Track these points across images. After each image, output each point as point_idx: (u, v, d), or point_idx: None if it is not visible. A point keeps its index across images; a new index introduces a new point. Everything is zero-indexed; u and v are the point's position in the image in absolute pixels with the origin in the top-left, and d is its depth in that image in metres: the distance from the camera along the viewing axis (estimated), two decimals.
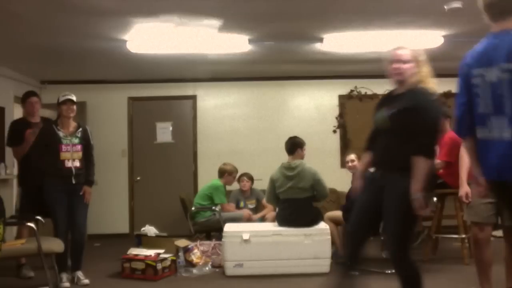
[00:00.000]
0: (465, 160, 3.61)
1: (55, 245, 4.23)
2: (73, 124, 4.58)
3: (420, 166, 2.78)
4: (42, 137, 4.52)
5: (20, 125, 4.97)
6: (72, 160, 4.46)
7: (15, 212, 5.20)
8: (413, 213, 2.82)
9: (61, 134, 4.47)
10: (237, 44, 5.36)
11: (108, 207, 7.28)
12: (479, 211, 3.44)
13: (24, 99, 5.07)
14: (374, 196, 2.98)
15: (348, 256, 3.11)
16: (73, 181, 4.46)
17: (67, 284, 4.37)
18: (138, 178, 7.46)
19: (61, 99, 4.53)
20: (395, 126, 2.93)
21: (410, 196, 2.77)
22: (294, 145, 5.05)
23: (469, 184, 3.55)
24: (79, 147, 4.52)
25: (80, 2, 4.02)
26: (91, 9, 4.21)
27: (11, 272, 4.85)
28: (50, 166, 4.40)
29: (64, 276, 4.42)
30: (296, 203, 4.88)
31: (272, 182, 5.00)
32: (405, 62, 3.01)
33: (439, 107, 2.99)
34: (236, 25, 4.80)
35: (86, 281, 4.47)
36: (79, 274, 4.51)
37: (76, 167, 4.47)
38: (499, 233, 5.91)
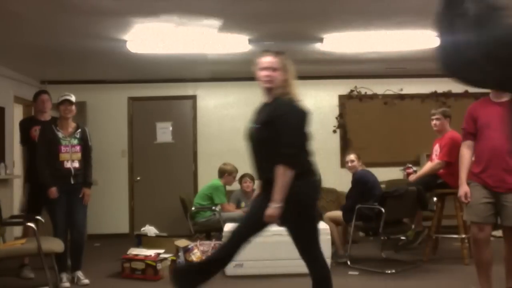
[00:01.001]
0: (464, 160, 3.60)
1: (55, 245, 4.23)
2: (72, 125, 4.58)
3: (281, 176, 2.78)
4: (42, 137, 4.52)
5: (27, 123, 5.01)
6: (71, 161, 4.46)
7: (21, 209, 5.21)
8: (303, 217, 2.89)
9: (60, 135, 4.47)
10: (237, 44, 5.36)
11: (108, 207, 7.28)
12: (478, 211, 3.43)
13: (35, 97, 5.08)
14: (261, 203, 2.96)
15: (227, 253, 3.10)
16: (72, 182, 4.46)
17: (67, 284, 4.37)
18: (138, 178, 7.46)
19: (60, 99, 4.54)
20: (259, 138, 2.97)
21: (294, 201, 2.79)
22: None
23: (468, 184, 3.54)
24: (78, 147, 4.53)
25: (80, 2, 4.02)
26: (91, 9, 4.21)
27: (11, 272, 4.85)
28: (49, 167, 4.40)
29: (64, 276, 4.42)
30: None
31: None
32: (274, 69, 2.97)
33: (301, 115, 2.92)
34: (236, 25, 4.80)
35: (86, 281, 4.47)
36: (79, 274, 4.52)
37: (75, 168, 4.47)
38: (499, 233, 5.92)
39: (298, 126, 2.90)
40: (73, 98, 4.57)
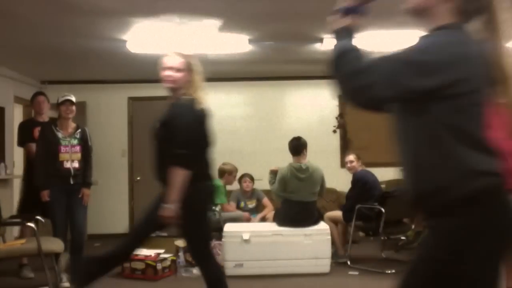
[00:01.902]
0: None
1: (55, 245, 4.23)
2: (72, 125, 4.58)
3: (174, 177, 2.79)
4: (42, 138, 4.52)
5: (28, 125, 5.04)
6: (71, 161, 4.46)
7: (17, 209, 5.21)
8: (193, 219, 2.89)
9: (60, 135, 4.47)
10: (237, 44, 5.36)
11: (108, 207, 7.28)
12: None
13: (32, 99, 5.11)
14: (158, 202, 2.95)
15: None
16: (71, 182, 4.46)
17: (67, 284, 4.37)
18: (138, 178, 7.46)
19: (60, 99, 4.54)
20: (157, 138, 3.00)
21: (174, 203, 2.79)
22: (302, 146, 5.05)
23: None
24: (78, 148, 4.53)
25: (80, 2, 4.02)
26: (91, 9, 4.21)
27: (11, 272, 4.85)
28: (48, 167, 4.40)
29: (64, 276, 4.42)
30: (306, 205, 4.90)
31: (284, 181, 4.96)
32: (177, 70, 2.99)
33: (197, 118, 2.96)
34: (236, 25, 4.80)
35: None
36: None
37: (74, 168, 4.47)
38: None
39: (192, 128, 2.91)
40: (74, 98, 4.57)
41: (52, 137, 4.45)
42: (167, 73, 3.02)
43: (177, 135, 2.84)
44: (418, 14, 1.62)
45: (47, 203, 4.40)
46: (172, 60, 3.02)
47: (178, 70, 2.99)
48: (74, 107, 4.56)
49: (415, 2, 1.61)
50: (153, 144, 3.05)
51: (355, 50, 1.50)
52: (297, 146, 5.04)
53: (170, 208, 2.79)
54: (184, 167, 2.80)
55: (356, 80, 1.45)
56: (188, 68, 3.01)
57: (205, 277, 2.99)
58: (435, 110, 1.43)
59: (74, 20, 4.51)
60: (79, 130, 4.60)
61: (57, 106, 4.55)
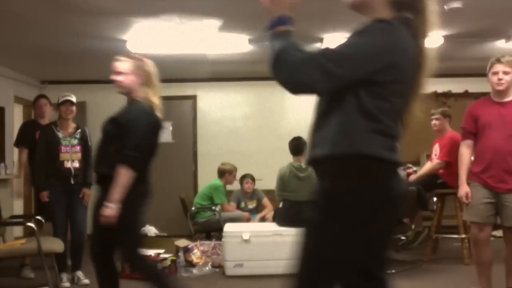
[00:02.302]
0: (464, 159, 3.58)
1: (55, 245, 4.23)
2: (72, 125, 4.59)
3: (120, 177, 2.80)
4: (43, 138, 4.52)
5: (29, 127, 5.03)
6: (72, 161, 4.46)
7: (35, 211, 5.23)
8: (127, 221, 2.88)
9: (60, 135, 4.48)
10: (237, 44, 5.36)
11: None
12: (479, 211, 3.43)
13: (34, 102, 5.14)
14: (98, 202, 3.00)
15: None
16: (72, 182, 4.46)
17: (67, 284, 4.37)
18: None
19: (60, 100, 4.54)
20: (104, 133, 3.04)
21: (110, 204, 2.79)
22: (302, 146, 5.04)
23: (468, 184, 3.53)
24: (78, 148, 4.53)
25: (80, 2, 4.02)
26: (91, 9, 4.21)
27: (11, 272, 4.85)
28: (49, 167, 4.40)
29: (64, 276, 4.42)
30: (306, 205, 4.89)
31: (283, 180, 4.97)
32: (123, 74, 3.02)
33: (151, 123, 2.97)
34: (236, 25, 4.80)
35: (86, 281, 4.47)
36: (79, 274, 4.52)
37: (75, 168, 4.47)
38: (499, 233, 5.92)
39: (146, 133, 2.94)
40: (74, 99, 4.57)
41: (52, 137, 4.45)
42: (115, 77, 3.07)
43: (130, 138, 2.86)
44: (357, 8, 1.75)
45: (47, 204, 4.40)
46: (119, 65, 3.06)
47: (124, 74, 3.02)
48: (74, 107, 4.56)
49: None
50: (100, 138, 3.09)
51: (291, 48, 1.59)
52: (298, 146, 5.05)
53: (113, 208, 2.79)
54: (132, 169, 2.82)
55: (295, 75, 1.54)
56: (136, 72, 3.03)
57: (144, 278, 3.01)
58: (357, 94, 1.55)
59: (74, 20, 4.51)
60: (79, 130, 4.60)
61: (57, 106, 4.55)
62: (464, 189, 3.51)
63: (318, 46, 5.56)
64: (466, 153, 3.57)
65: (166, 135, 7.52)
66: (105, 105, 7.62)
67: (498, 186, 3.37)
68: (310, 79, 1.52)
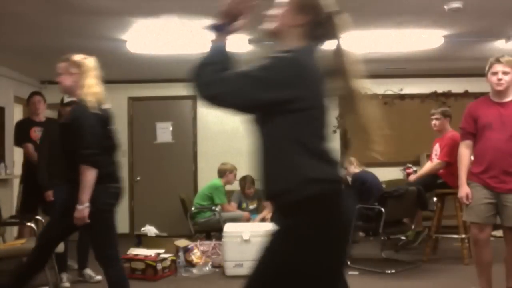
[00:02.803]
0: (464, 160, 3.58)
1: None
2: None
3: (83, 177, 2.83)
4: (48, 137, 4.50)
5: (24, 124, 5.04)
6: None
7: (16, 209, 5.21)
8: (97, 221, 2.90)
9: None
10: (237, 44, 5.36)
11: None
12: (479, 211, 3.42)
13: (28, 99, 5.12)
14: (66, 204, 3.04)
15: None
16: None
17: (67, 284, 4.37)
18: (138, 178, 7.46)
19: (66, 100, 4.54)
20: (60, 139, 3.10)
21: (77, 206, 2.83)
22: None
23: (468, 184, 3.52)
24: None
25: (80, 2, 4.02)
26: (91, 9, 4.21)
27: (11, 272, 4.84)
28: (53, 167, 4.39)
29: (64, 276, 4.42)
30: None
31: None
32: (60, 74, 3.05)
33: (91, 120, 2.95)
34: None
35: (99, 277, 4.48)
36: (89, 271, 4.54)
37: None
38: (499, 233, 5.92)
39: (88, 130, 2.93)
40: None
41: (56, 136, 4.44)
42: (57, 78, 3.10)
43: (77, 138, 2.90)
44: (274, 36, 1.84)
45: (50, 203, 4.39)
46: (58, 65, 3.09)
47: (62, 74, 3.06)
48: None
49: (270, 26, 1.84)
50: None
51: (217, 62, 1.72)
52: None
53: (83, 209, 2.82)
54: (91, 166, 2.85)
55: (211, 89, 1.66)
56: (66, 72, 3.05)
57: (107, 279, 3.02)
58: (279, 123, 1.65)
59: (74, 20, 4.51)
60: None
61: (62, 106, 4.55)
62: (464, 189, 3.49)
63: None
64: (465, 154, 3.55)
65: (166, 135, 7.53)
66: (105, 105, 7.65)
67: (498, 187, 3.36)
68: (221, 94, 1.64)
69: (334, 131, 7.50)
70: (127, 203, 7.42)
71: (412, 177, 5.45)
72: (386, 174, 6.64)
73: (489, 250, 3.48)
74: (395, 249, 5.76)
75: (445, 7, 4.33)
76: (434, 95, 7.42)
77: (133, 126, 7.52)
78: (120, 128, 7.36)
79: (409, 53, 6.01)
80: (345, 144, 7.46)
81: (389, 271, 4.75)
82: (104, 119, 3.07)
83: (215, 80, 1.64)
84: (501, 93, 3.42)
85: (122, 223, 7.31)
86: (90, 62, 3.07)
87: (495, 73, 3.39)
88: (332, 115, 6.40)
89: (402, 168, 6.64)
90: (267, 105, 1.64)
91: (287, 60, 1.67)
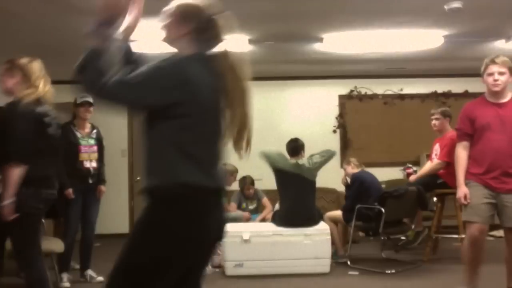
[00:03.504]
0: (461, 161, 3.54)
1: (55, 245, 4.23)
2: (88, 125, 4.61)
3: (8, 173, 2.87)
4: (64, 137, 4.47)
5: None
6: (90, 161, 4.49)
7: None
8: (21, 222, 2.92)
9: (79, 135, 4.49)
10: (237, 44, 5.36)
11: (108, 207, 7.26)
12: (480, 211, 3.40)
13: None
14: None
15: None
16: (90, 181, 4.50)
17: (67, 284, 4.37)
18: (138, 178, 7.46)
19: (79, 100, 4.54)
20: None
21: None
22: (299, 147, 5.09)
23: (467, 183, 3.50)
24: (95, 147, 4.57)
25: (80, 2, 4.03)
26: (91, 9, 4.19)
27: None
28: (69, 167, 4.39)
29: (65, 276, 4.42)
30: (303, 207, 4.93)
31: (279, 156, 5.05)
32: (3, 76, 3.10)
33: (23, 120, 2.97)
34: (236, 25, 4.79)
35: (101, 278, 4.49)
36: (91, 272, 4.55)
37: (93, 168, 4.51)
38: (499, 233, 5.92)
39: (21, 128, 2.95)
40: (92, 99, 4.58)
41: (72, 137, 4.46)
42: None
43: (10, 137, 2.93)
44: (170, 44, 1.93)
45: (64, 202, 4.38)
46: (1, 67, 3.15)
47: (2, 76, 3.12)
48: (92, 108, 4.57)
49: (164, 36, 1.96)
50: None
51: (100, 64, 1.67)
52: (295, 148, 5.08)
53: (8, 205, 2.86)
54: (18, 163, 2.88)
55: (97, 87, 1.65)
56: (12, 74, 3.10)
57: (26, 280, 3.04)
58: (161, 126, 1.73)
59: (74, 20, 4.51)
60: (95, 130, 4.64)
61: (74, 106, 4.55)
62: (462, 190, 3.47)
63: (318, 46, 5.56)
64: (463, 155, 3.52)
65: None
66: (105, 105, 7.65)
67: (499, 187, 3.35)
68: (105, 92, 1.66)
69: (334, 131, 7.51)
70: (127, 203, 7.43)
71: (412, 177, 5.44)
72: (386, 174, 6.64)
73: (484, 250, 3.46)
74: (395, 249, 5.76)
75: (445, 7, 4.33)
76: (434, 95, 7.42)
77: (133, 126, 7.52)
78: (120, 128, 7.42)
79: (409, 53, 6.01)
80: (345, 144, 7.47)
81: (389, 271, 4.75)
82: (42, 121, 3.06)
83: (103, 79, 1.63)
84: (498, 94, 3.41)
85: (122, 223, 7.33)
86: (34, 65, 3.14)
87: (491, 74, 3.38)
88: (332, 116, 6.43)
89: (402, 168, 6.64)
90: (149, 108, 1.73)
91: (171, 67, 1.72)
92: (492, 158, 3.36)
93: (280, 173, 4.91)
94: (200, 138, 1.76)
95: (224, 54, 1.87)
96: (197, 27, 1.86)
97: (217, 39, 1.89)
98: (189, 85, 1.71)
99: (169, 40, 1.93)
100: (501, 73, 3.36)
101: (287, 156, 5.07)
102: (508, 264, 3.53)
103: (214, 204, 1.80)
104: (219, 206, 1.85)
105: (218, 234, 1.86)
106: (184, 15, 1.88)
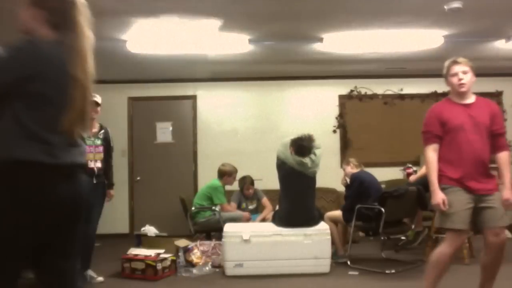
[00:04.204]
0: (433, 165, 3.42)
1: None
2: (95, 125, 4.60)
3: None
4: None
5: None
6: (95, 161, 4.49)
7: None
8: None
9: (85, 134, 4.48)
10: (237, 44, 5.36)
11: (108, 207, 7.24)
12: (465, 217, 3.27)
13: None
14: None
15: None
16: (94, 181, 4.50)
17: (100, 278, 4.42)
18: (138, 178, 7.46)
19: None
20: None
21: None
22: (307, 151, 4.98)
23: (446, 188, 3.35)
24: (101, 148, 4.57)
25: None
26: (91, 9, 4.19)
27: None
28: None
29: (90, 273, 4.45)
30: (302, 208, 4.93)
31: (285, 155, 5.05)
32: None
33: None
34: (236, 25, 4.80)
35: (101, 278, 4.50)
36: (91, 272, 4.55)
37: (98, 168, 4.51)
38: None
39: None
40: (99, 99, 4.59)
41: None
42: None
43: None
44: (25, 33, 2.00)
45: None
46: None
47: None
48: (99, 108, 4.57)
49: (19, 25, 2.05)
50: None
51: None
52: (302, 148, 5.03)
53: None
54: None
55: None
56: None
57: None
58: (10, 102, 1.79)
59: None
60: (103, 131, 4.63)
61: None
62: (439, 196, 3.32)
63: (318, 46, 5.56)
64: (434, 158, 3.41)
65: (166, 135, 7.53)
66: (105, 105, 7.63)
67: (479, 188, 3.28)
68: None
69: (334, 131, 7.51)
70: (127, 203, 7.43)
71: (412, 177, 5.44)
72: (386, 174, 6.65)
73: (453, 256, 3.41)
74: (395, 249, 5.76)
75: (445, 7, 4.33)
76: (434, 95, 7.41)
77: (133, 126, 7.53)
78: (120, 128, 7.42)
79: (409, 53, 6.01)
80: (345, 144, 7.47)
81: (389, 271, 4.75)
82: None
83: None
84: (464, 95, 3.39)
85: (122, 223, 7.33)
86: None
87: (455, 74, 3.38)
88: (332, 116, 6.42)
89: (402, 168, 6.65)
90: (6, 89, 1.79)
91: (22, 48, 1.86)
92: (470, 160, 3.28)
93: (287, 169, 4.82)
94: (43, 117, 1.82)
95: (75, 40, 1.92)
96: (51, 13, 1.94)
97: (70, 25, 1.95)
98: (38, 66, 1.80)
99: (25, 28, 2.00)
100: (464, 72, 3.38)
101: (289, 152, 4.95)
102: (485, 270, 3.46)
103: (56, 179, 1.82)
104: (67, 181, 1.86)
105: (67, 210, 1.90)
106: (38, 2, 1.96)
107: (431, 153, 3.43)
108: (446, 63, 3.45)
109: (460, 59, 3.40)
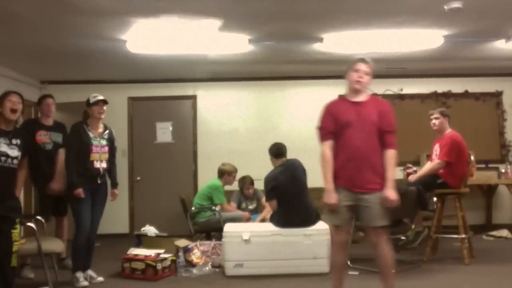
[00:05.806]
0: (329, 163, 3.40)
1: (55, 245, 4.23)
2: (101, 126, 4.60)
3: None
4: (77, 137, 4.46)
5: (32, 126, 4.90)
6: (100, 161, 4.48)
7: (36, 210, 5.30)
8: None
9: (91, 135, 4.48)
10: (237, 44, 5.36)
11: (108, 207, 7.24)
12: (341, 214, 3.34)
13: (40, 100, 5.12)
14: None
15: None
16: (99, 181, 4.50)
17: (85, 283, 4.38)
18: (138, 178, 7.46)
19: (93, 100, 4.52)
20: None
21: None
22: (284, 150, 5.20)
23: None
24: (106, 148, 4.56)
25: (80, 2, 4.03)
26: (91, 9, 4.21)
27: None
28: (79, 166, 4.39)
29: (81, 276, 4.41)
30: (302, 207, 4.94)
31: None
32: None
33: None
34: (236, 25, 4.80)
35: (101, 278, 4.49)
36: (91, 272, 4.54)
37: (103, 168, 4.51)
38: (499, 233, 5.93)
39: None
40: (101, 98, 4.58)
41: (85, 137, 4.44)
42: None
43: None
44: None
45: (74, 202, 4.39)
46: None
47: None
48: (105, 107, 4.56)
49: None
50: None
51: None
52: (281, 149, 5.22)
53: None
54: None
55: None
56: None
57: None
58: None
59: (74, 20, 4.51)
60: (107, 131, 4.63)
61: (88, 106, 4.54)
62: (334, 196, 3.32)
63: (318, 46, 5.56)
64: (329, 155, 3.40)
65: (166, 135, 7.53)
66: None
67: (359, 186, 3.29)
68: None
69: None
70: (127, 203, 7.43)
71: (412, 177, 5.44)
72: None
73: (345, 252, 3.44)
74: (395, 249, 5.74)
75: (445, 7, 4.33)
76: (434, 95, 7.42)
77: (133, 126, 7.53)
78: (120, 128, 7.42)
79: (409, 53, 6.01)
80: None
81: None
82: None
83: None
84: (357, 93, 3.42)
85: (122, 223, 7.33)
86: None
87: (357, 70, 3.40)
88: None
89: (402, 168, 6.64)
90: None
91: None
92: (352, 156, 3.30)
93: (281, 186, 4.91)
94: None
95: None
96: None
97: None
98: None
99: None
100: (366, 73, 3.41)
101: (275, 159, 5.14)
102: (381, 267, 3.52)
103: None
104: None
105: None
106: None
107: (327, 149, 3.42)
108: (354, 59, 3.48)
109: (368, 60, 3.44)
